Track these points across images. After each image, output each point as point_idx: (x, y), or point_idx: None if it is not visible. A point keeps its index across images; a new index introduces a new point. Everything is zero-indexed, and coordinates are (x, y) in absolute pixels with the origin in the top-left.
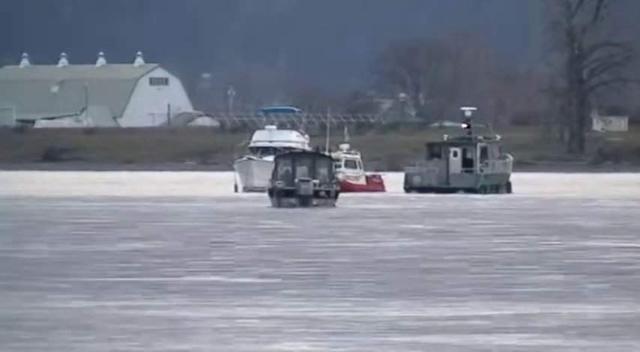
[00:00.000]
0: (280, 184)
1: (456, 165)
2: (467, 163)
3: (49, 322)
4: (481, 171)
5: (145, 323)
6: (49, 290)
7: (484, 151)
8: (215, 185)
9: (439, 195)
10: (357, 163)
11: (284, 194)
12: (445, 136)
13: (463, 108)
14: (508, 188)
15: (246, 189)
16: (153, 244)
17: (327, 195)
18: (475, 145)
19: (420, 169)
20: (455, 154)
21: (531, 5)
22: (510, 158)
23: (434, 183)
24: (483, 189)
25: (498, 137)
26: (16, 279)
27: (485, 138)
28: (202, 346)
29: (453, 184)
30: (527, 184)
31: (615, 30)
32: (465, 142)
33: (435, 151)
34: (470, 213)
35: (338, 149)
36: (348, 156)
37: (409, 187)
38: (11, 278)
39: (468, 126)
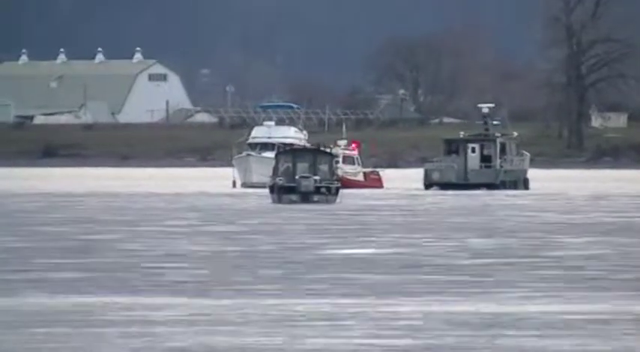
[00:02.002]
0: (281, 181)
1: (474, 162)
2: (485, 159)
3: None
4: (501, 166)
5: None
6: None
7: (502, 147)
8: (213, 181)
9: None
10: (355, 159)
11: (285, 190)
12: (461, 133)
13: (480, 105)
14: (525, 184)
15: (245, 185)
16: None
17: (327, 191)
18: (493, 141)
19: (439, 165)
20: (473, 150)
21: (530, 1)
22: (527, 155)
23: (453, 179)
24: (503, 185)
25: (515, 133)
26: None
27: (502, 134)
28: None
29: (473, 180)
30: (537, 181)
31: (614, 26)
32: (482, 139)
33: (453, 148)
34: None
35: (336, 145)
36: (346, 152)
37: (429, 183)
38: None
39: (485, 123)
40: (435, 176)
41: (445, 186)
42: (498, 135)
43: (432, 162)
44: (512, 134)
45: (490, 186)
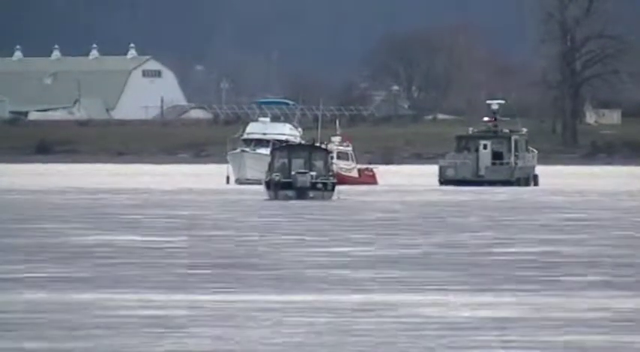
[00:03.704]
0: (277, 177)
1: (486, 158)
2: (496, 156)
3: None
4: (515, 164)
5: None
6: None
7: (515, 144)
8: (207, 177)
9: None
10: (350, 155)
11: (281, 186)
12: (470, 129)
13: (489, 102)
14: (535, 180)
15: (239, 181)
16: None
17: (324, 187)
18: (506, 138)
19: (454, 162)
20: (484, 147)
21: None
22: (535, 151)
23: (468, 175)
24: (517, 182)
25: (524, 130)
26: None
27: (511, 131)
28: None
29: (487, 177)
30: (544, 177)
31: (608, 22)
32: (492, 135)
33: (463, 144)
34: None
35: (330, 141)
36: (340, 148)
37: (444, 180)
38: None
39: (494, 119)
40: (450, 173)
41: (459, 183)
42: (507, 131)
43: (446, 158)
44: (522, 130)
45: (505, 183)
